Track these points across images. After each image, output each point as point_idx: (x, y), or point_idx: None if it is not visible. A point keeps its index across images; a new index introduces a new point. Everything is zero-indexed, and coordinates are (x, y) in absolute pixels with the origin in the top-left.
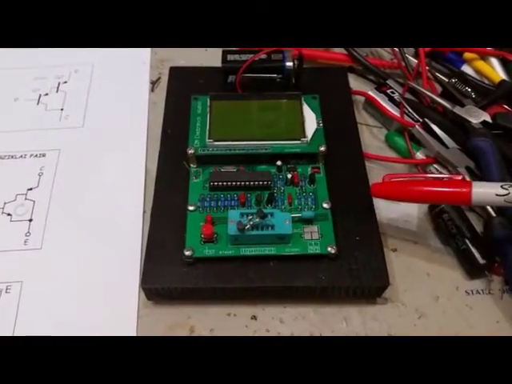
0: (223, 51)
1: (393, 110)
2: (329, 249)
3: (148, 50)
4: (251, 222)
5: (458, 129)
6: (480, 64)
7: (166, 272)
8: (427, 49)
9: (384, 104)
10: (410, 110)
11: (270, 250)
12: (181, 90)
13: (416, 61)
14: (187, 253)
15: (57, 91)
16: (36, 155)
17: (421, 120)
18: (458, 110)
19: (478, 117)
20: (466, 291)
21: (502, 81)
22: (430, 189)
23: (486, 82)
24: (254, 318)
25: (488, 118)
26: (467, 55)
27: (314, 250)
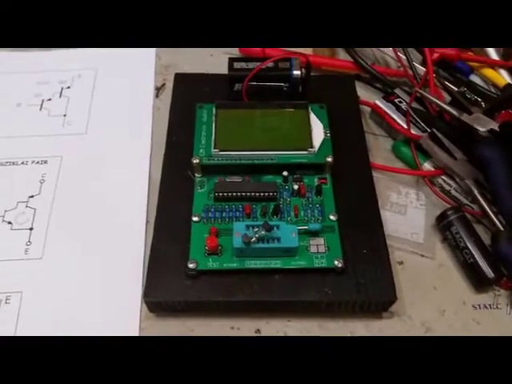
0: (230, 59)
1: (400, 120)
2: (335, 262)
3: (152, 54)
4: (257, 235)
5: (466, 139)
6: (488, 72)
7: (169, 285)
8: (435, 57)
9: (391, 114)
10: (417, 119)
11: (275, 264)
12: (186, 97)
13: (424, 69)
14: (191, 265)
15: (60, 96)
16: (38, 162)
17: (428, 130)
18: (465, 117)
19: (485, 125)
20: (473, 305)
21: (508, 85)
22: None
23: (495, 91)
24: (257, 331)
25: (495, 127)
26: (475, 63)
27: (320, 263)
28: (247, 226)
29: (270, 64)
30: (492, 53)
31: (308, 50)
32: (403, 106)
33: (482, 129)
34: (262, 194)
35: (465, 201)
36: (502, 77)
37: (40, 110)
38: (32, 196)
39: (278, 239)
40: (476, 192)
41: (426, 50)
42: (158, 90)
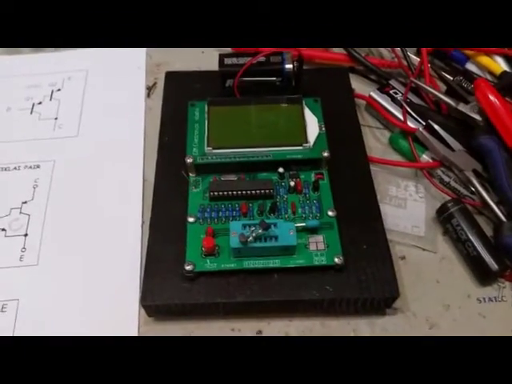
0: (220, 55)
1: (396, 112)
2: (335, 259)
3: (143, 54)
4: (254, 234)
5: (463, 130)
6: (484, 59)
7: (166, 288)
8: None
9: (387, 105)
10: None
11: (274, 263)
12: (177, 96)
13: (418, 59)
14: (188, 267)
15: (50, 99)
16: (30, 167)
17: (424, 123)
18: (462, 107)
19: (482, 114)
20: (477, 299)
21: (504, 72)
22: None
23: (492, 78)
24: (259, 332)
25: None
26: (471, 51)
27: (319, 261)
28: (244, 225)
29: (261, 59)
30: None
31: None
32: (399, 97)
33: (479, 118)
34: (258, 192)
35: (465, 192)
36: (498, 64)
37: (31, 113)
38: (25, 202)
39: (276, 238)
40: (476, 182)
41: None
42: (150, 89)
